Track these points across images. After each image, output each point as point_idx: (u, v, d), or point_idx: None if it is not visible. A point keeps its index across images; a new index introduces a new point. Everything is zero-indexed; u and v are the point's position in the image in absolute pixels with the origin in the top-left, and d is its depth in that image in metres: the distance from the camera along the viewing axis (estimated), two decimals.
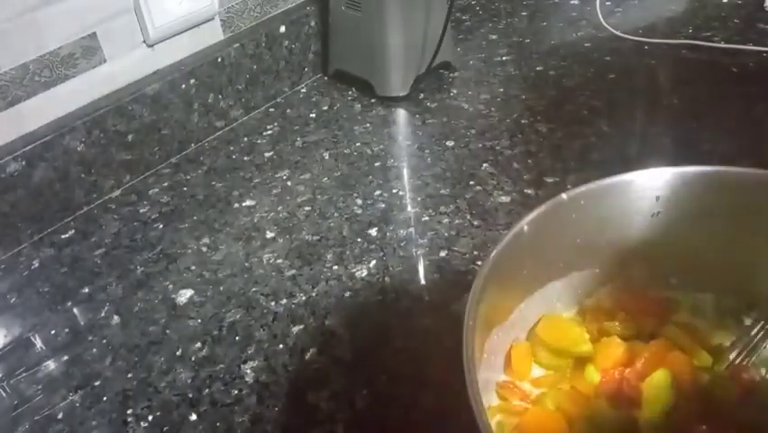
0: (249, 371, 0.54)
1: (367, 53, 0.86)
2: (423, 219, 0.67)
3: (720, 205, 0.46)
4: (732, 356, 0.43)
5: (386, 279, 0.61)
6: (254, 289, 0.61)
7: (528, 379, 0.45)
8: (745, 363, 0.43)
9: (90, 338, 0.58)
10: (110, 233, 0.70)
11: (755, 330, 0.43)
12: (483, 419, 0.32)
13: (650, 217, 0.47)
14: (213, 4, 0.80)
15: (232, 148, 0.82)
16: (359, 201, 0.71)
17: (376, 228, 0.67)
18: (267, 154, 0.80)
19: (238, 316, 0.59)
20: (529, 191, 0.69)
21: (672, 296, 0.49)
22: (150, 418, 0.51)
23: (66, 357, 0.56)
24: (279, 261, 0.64)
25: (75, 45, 0.69)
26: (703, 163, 0.46)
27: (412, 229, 0.66)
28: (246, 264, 0.64)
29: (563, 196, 0.44)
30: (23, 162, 0.66)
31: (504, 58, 0.95)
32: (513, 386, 0.44)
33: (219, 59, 0.81)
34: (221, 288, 0.62)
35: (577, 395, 0.43)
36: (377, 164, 0.76)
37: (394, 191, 0.71)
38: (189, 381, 0.53)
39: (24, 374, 0.55)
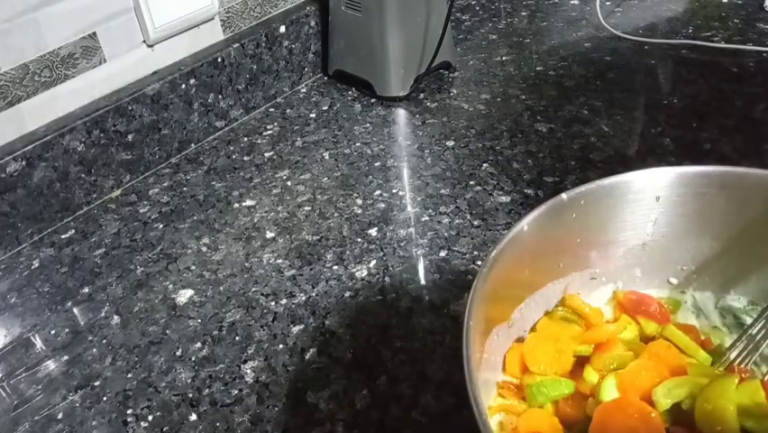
0: (249, 371, 0.54)
1: (367, 53, 0.86)
2: (423, 219, 0.67)
3: (720, 205, 0.46)
4: (732, 356, 0.43)
5: (386, 279, 0.61)
6: (254, 289, 0.61)
7: (527, 378, 0.44)
8: (745, 363, 0.43)
9: (90, 338, 0.58)
10: (110, 233, 0.70)
11: (756, 330, 0.43)
12: (483, 418, 0.32)
13: (650, 218, 0.47)
14: (213, 4, 0.80)
15: (232, 148, 0.82)
16: (359, 201, 0.71)
17: (376, 228, 0.67)
18: (267, 154, 0.80)
19: (238, 316, 0.59)
20: (529, 191, 0.69)
21: (672, 296, 0.50)
22: (150, 418, 0.51)
23: (66, 357, 0.56)
24: (279, 261, 0.64)
25: (75, 45, 0.69)
26: (703, 163, 0.46)
27: (412, 229, 0.66)
28: (246, 264, 0.64)
29: (563, 196, 0.44)
30: (23, 162, 0.66)
31: (504, 58, 0.95)
32: (513, 386, 0.44)
33: (219, 59, 0.81)
34: (221, 288, 0.62)
35: (577, 395, 0.43)
36: (377, 164, 0.76)
37: (394, 191, 0.71)
38: (189, 381, 0.53)
39: (24, 374, 0.55)
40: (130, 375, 0.54)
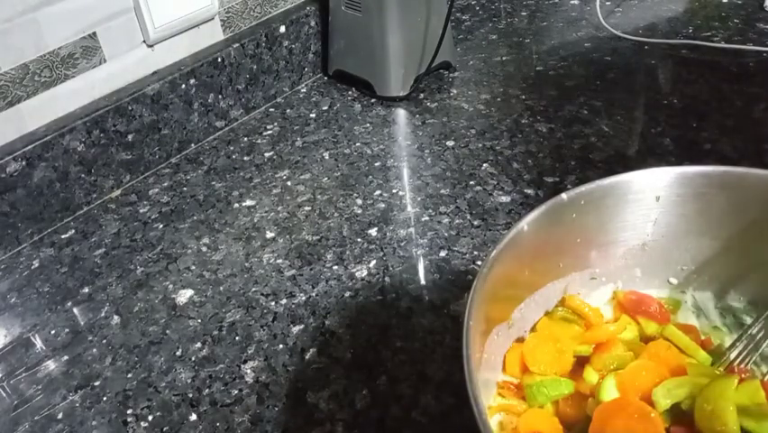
0: (249, 371, 0.54)
1: (367, 53, 0.86)
2: (423, 219, 0.67)
3: (720, 205, 0.46)
4: (732, 356, 0.43)
5: (386, 279, 0.61)
6: (254, 289, 0.61)
7: (527, 378, 0.44)
8: (745, 363, 0.43)
9: (90, 338, 0.58)
10: (110, 233, 0.70)
11: (756, 329, 0.43)
12: (483, 418, 0.32)
13: (650, 218, 0.47)
14: (213, 4, 0.80)
15: (232, 148, 0.82)
16: (359, 201, 0.71)
17: (376, 228, 0.67)
18: (267, 154, 0.80)
19: (238, 316, 0.59)
20: (529, 191, 0.69)
21: (672, 296, 0.50)
22: (150, 418, 0.51)
23: (66, 357, 0.56)
24: (279, 261, 0.64)
25: (75, 45, 0.69)
26: (703, 163, 0.46)
27: (412, 229, 0.66)
28: (246, 264, 0.64)
29: (563, 196, 0.44)
30: (23, 162, 0.66)
31: (504, 58, 0.95)
32: (513, 386, 0.44)
33: (219, 59, 0.81)
34: (221, 288, 0.62)
35: (576, 395, 0.43)
36: (377, 164, 0.76)
37: (394, 191, 0.71)
38: (189, 381, 0.53)
39: (24, 374, 0.55)
40: (130, 375, 0.54)
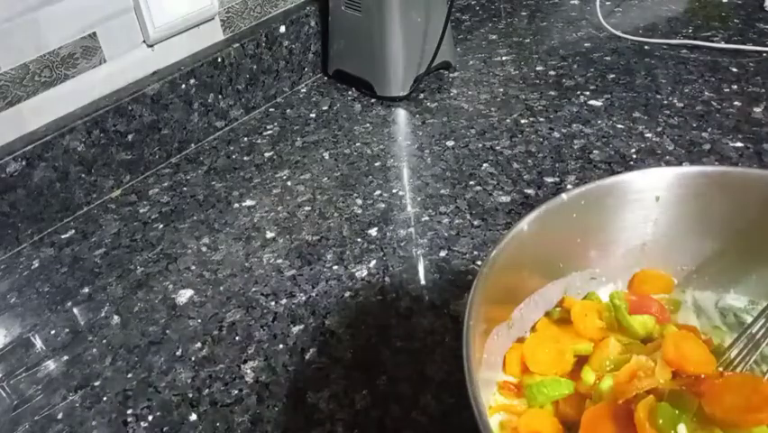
0: (249, 371, 0.54)
1: (367, 53, 0.86)
2: (423, 219, 0.67)
3: (720, 205, 0.46)
4: (732, 355, 0.43)
5: (386, 279, 0.61)
6: (254, 289, 0.61)
7: (527, 378, 0.44)
8: (745, 361, 0.43)
9: (90, 338, 0.58)
10: (110, 233, 0.70)
11: (756, 329, 0.43)
12: (483, 419, 0.32)
13: (650, 218, 0.47)
14: (213, 4, 0.80)
15: (232, 148, 0.82)
16: (359, 201, 0.71)
17: (376, 228, 0.67)
18: (267, 154, 0.80)
19: (238, 316, 0.59)
20: (529, 191, 0.69)
21: (672, 296, 0.50)
22: (150, 418, 0.51)
23: (66, 357, 0.56)
24: (279, 261, 0.64)
25: (75, 45, 0.69)
26: (703, 163, 0.46)
27: (412, 229, 0.66)
28: (246, 264, 0.64)
29: (563, 196, 0.44)
30: (23, 162, 0.66)
31: (504, 58, 0.95)
32: (513, 386, 0.44)
33: (219, 59, 0.81)
34: (221, 288, 0.62)
35: (576, 395, 0.43)
36: (377, 164, 0.76)
37: (394, 191, 0.71)
38: (189, 381, 0.53)
39: (24, 374, 0.55)
40: (130, 375, 0.54)
